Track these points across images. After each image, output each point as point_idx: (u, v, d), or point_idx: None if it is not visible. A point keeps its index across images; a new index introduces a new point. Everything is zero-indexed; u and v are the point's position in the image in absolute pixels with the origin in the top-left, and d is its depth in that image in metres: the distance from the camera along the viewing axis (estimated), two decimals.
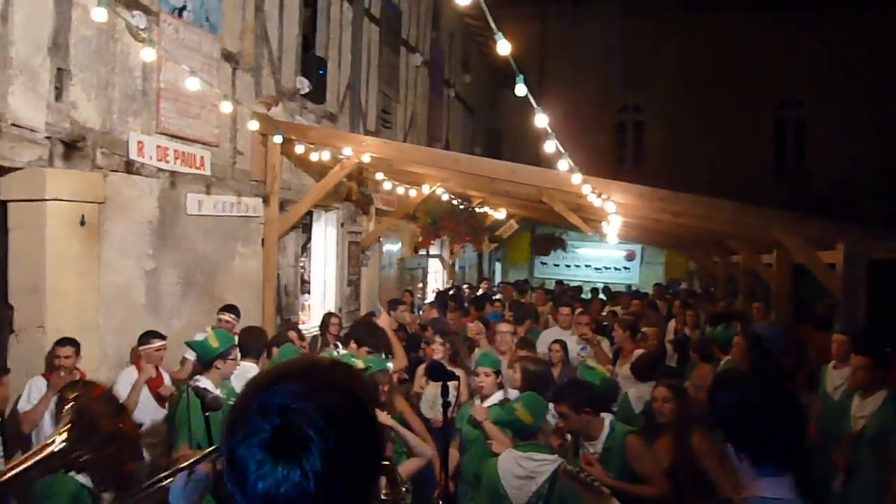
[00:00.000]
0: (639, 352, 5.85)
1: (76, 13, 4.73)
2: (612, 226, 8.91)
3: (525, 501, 3.06)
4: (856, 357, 4.54)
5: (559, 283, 15.16)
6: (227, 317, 5.73)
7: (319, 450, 0.92)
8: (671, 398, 3.89)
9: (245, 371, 4.39)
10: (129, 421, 1.84)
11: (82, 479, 1.97)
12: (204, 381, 3.84)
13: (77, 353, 4.35)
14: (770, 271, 8.42)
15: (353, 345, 4.75)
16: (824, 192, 14.30)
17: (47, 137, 4.58)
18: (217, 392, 3.84)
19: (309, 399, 0.95)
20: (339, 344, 5.80)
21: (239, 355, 4.34)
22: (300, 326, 7.95)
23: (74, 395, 1.75)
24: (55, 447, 1.66)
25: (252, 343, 4.96)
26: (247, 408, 0.97)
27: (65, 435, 1.66)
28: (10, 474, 1.61)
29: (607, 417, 3.65)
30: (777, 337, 6.35)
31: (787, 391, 1.88)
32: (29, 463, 1.62)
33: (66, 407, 1.70)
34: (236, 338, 4.85)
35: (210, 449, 1.69)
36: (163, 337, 4.97)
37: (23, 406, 4.30)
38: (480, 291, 12.43)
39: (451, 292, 11.50)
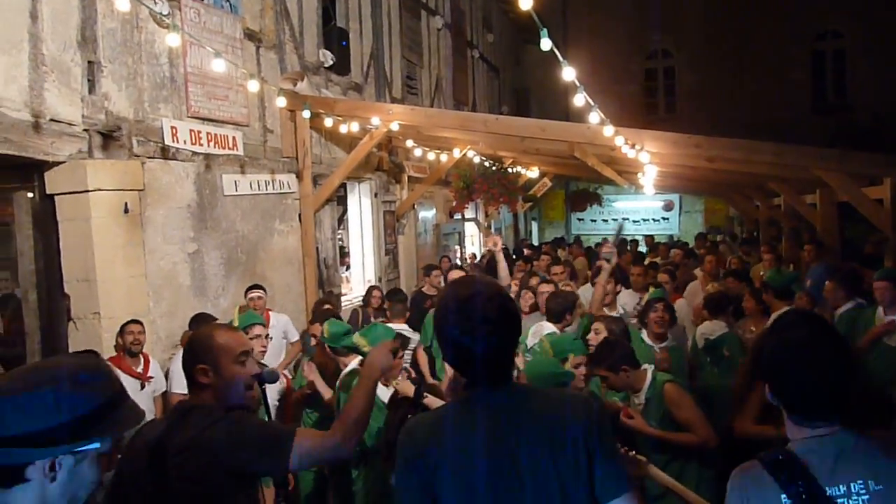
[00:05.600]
0: (681, 301, 5.81)
1: (101, 5, 4.79)
2: (648, 176, 8.78)
3: None
4: None
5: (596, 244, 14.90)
6: (255, 294, 5.76)
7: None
8: None
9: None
10: None
11: None
12: None
13: (144, 331, 4.67)
14: (814, 211, 8.20)
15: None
16: (868, 125, 13.76)
17: (85, 130, 4.69)
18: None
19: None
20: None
21: (266, 333, 4.48)
22: (342, 299, 8.10)
23: None
24: None
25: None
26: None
27: None
28: None
29: (649, 368, 3.66)
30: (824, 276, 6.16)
31: (838, 339, 1.69)
32: None
33: None
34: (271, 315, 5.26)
35: None
36: (213, 318, 5.14)
37: None
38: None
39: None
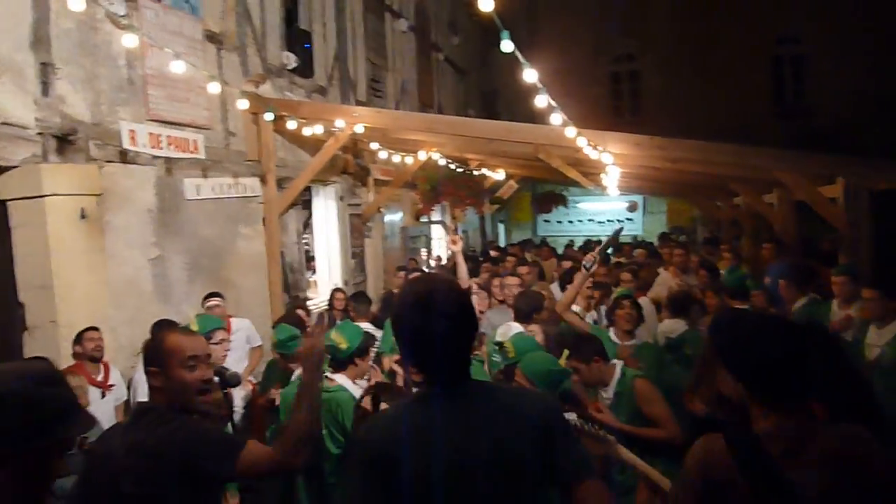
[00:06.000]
0: (644, 299, 5.89)
1: (55, 5, 4.68)
2: (612, 178, 8.89)
3: None
4: (867, 290, 4.58)
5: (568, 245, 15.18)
6: (213, 302, 5.57)
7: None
8: None
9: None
10: None
11: None
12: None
13: (102, 337, 4.57)
14: (772, 210, 8.39)
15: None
16: (827, 127, 14.11)
17: (39, 133, 4.57)
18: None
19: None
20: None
21: (226, 336, 4.41)
22: (308, 303, 8.03)
23: None
24: None
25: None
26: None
27: None
28: None
29: (618, 364, 3.69)
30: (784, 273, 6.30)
31: (788, 321, 1.81)
32: None
33: None
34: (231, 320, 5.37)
35: None
36: (175, 324, 5.04)
37: None
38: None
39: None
